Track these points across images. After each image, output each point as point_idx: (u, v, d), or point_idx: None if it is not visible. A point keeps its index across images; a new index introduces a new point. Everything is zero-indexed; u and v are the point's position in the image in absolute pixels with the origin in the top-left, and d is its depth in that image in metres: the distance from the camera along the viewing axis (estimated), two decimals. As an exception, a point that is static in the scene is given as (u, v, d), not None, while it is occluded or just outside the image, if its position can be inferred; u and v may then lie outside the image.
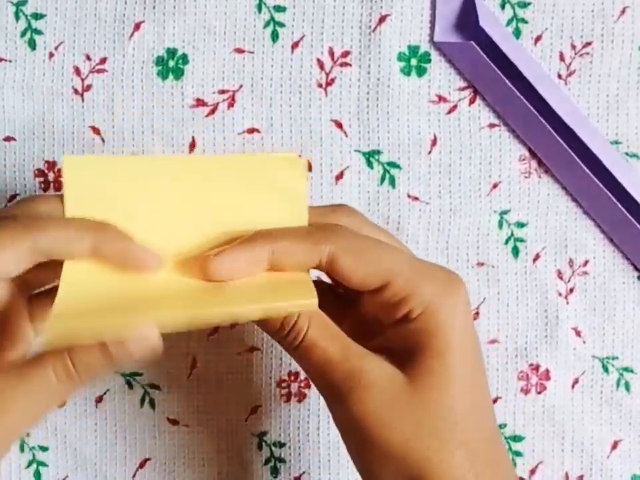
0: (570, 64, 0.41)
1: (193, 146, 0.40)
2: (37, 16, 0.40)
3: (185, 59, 0.40)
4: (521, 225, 0.41)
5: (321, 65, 0.40)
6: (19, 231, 0.29)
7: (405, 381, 0.30)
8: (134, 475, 0.42)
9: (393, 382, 0.30)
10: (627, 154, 0.41)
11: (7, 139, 0.40)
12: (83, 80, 0.40)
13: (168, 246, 0.31)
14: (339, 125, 0.41)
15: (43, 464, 0.42)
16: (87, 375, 0.28)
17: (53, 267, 0.30)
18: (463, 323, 0.30)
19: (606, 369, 0.42)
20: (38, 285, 0.33)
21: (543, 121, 0.40)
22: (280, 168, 0.31)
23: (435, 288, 0.30)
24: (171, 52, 0.40)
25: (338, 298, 0.34)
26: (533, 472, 0.42)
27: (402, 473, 0.29)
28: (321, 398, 0.41)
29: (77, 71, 0.40)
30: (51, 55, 0.40)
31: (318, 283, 0.32)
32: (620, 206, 0.40)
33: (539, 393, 0.42)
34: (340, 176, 0.41)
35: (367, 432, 0.29)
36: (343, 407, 0.30)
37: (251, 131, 0.41)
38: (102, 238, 0.29)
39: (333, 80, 0.41)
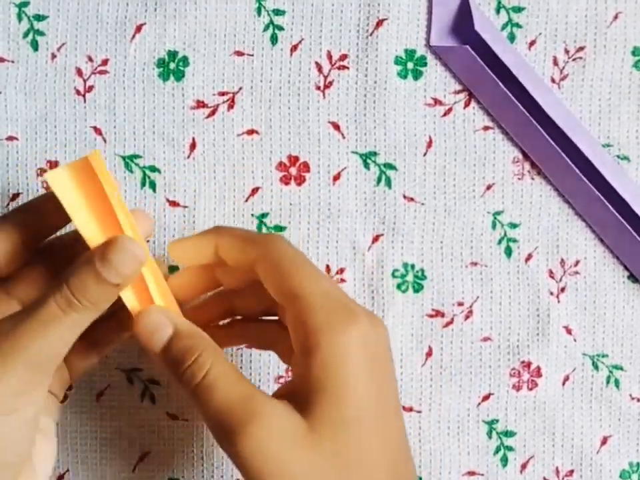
0: (563, 68, 0.41)
1: (193, 147, 0.41)
2: (39, 17, 0.41)
3: (185, 61, 0.41)
4: (513, 226, 0.42)
5: (319, 68, 0.41)
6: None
7: (306, 428, 0.28)
8: (134, 469, 0.43)
9: (294, 430, 0.28)
10: (618, 157, 0.42)
11: (10, 138, 0.41)
12: (84, 81, 0.41)
13: None
14: (337, 127, 0.41)
15: (45, 457, 0.42)
16: (86, 299, 0.29)
17: (39, 279, 0.32)
18: (358, 359, 0.28)
19: (596, 367, 0.43)
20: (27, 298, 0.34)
21: (536, 124, 0.40)
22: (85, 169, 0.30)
23: (327, 318, 0.29)
24: (172, 54, 0.41)
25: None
26: (524, 466, 0.43)
27: None
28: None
29: (79, 72, 0.41)
30: (53, 56, 0.41)
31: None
32: (611, 207, 0.41)
33: (531, 389, 0.43)
34: (337, 177, 0.42)
35: (264, 476, 0.27)
36: (237, 447, 0.28)
37: (250, 132, 0.41)
38: None
39: (330, 83, 0.41)
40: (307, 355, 0.28)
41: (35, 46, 0.41)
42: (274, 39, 0.41)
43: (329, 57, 0.41)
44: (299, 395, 0.29)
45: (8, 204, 0.41)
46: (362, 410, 0.28)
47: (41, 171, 0.41)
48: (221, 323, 0.37)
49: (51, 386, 0.34)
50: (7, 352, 0.28)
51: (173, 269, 0.40)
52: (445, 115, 0.42)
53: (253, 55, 0.41)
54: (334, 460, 0.28)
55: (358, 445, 0.28)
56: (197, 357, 0.29)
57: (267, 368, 0.42)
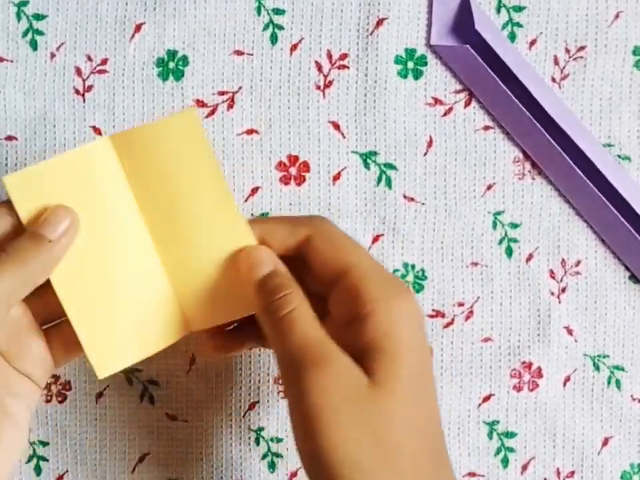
0: (564, 67, 0.41)
1: (192, 146, 0.41)
2: (38, 17, 0.41)
3: (185, 60, 0.41)
4: (514, 226, 0.42)
5: (319, 67, 0.41)
6: None
7: (368, 383, 0.30)
8: (133, 470, 0.43)
9: (358, 382, 0.29)
10: (619, 156, 0.42)
11: (9, 138, 0.41)
12: (84, 80, 0.41)
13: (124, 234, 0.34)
14: (337, 127, 0.41)
15: (44, 459, 0.42)
16: (14, 248, 0.31)
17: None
18: (410, 328, 0.31)
19: (597, 367, 0.43)
20: (53, 317, 0.34)
21: (537, 123, 0.40)
22: (177, 126, 0.33)
23: (383, 289, 0.31)
24: (171, 53, 0.41)
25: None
26: (525, 468, 0.43)
27: (343, 474, 0.29)
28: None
29: (78, 71, 0.41)
30: (53, 55, 0.41)
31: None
32: (612, 207, 0.41)
33: (531, 390, 0.43)
34: (337, 177, 0.41)
35: (317, 425, 0.29)
36: (303, 385, 0.29)
37: (250, 131, 0.41)
38: None
39: (330, 82, 0.41)
40: (363, 320, 0.31)
41: (34, 45, 0.41)
42: (274, 39, 0.41)
43: (329, 56, 0.41)
44: (353, 357, 0.30)
45: (7, 204, 0.41)
46: (417, 371, 0.30)
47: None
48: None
49: (31, 373, 0.34)
50: None
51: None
52: (445, 114, 0.41)
53: (252, 55, 0.41)
54: (395, 415, 0.29)
55: (414, 405, 0.30)
56: (287, 293, 0.31)
57: (266, 368, 0.42)
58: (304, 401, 0.29)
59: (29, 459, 0.42)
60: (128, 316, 0.34)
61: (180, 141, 0.33)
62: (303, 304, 0.31)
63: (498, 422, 0.43)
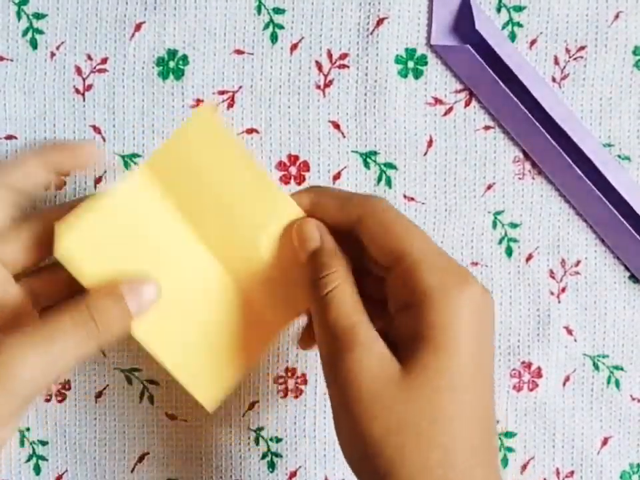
0: (564, 67, 0.41)
1: (192, 146, 0.41)
2: (38, 15, 0.40)
3: (185, 59, 0.41)
4: (514, 226, 0.42)
5: (320, 67, 0.41)
6: None
7: (400, 372, 0.29)
8: (132, 469, 0.42)
9: (389, 370, 0.29)
10: (619, 156, 0.42)
11: (9, 137, 0.41)
12: (84, 79, 0.41)
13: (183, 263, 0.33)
14: (337, 126, 0.41)
15: (43, 458, 0.42)
16: (102, 321, 0.30)
17: (61, 280, 0.33)
18: (467, 321, 0.29)
19: (596, 367, 0.43)
20: (48, 299, 0.34)
21: (537, 123, 0.40)
22: (196, 128, 0.32)
23: (441, 278, 0.29)
24: (172, 53, 0.41)
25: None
26: (524, 467, 0.43)
27: (371, 465, 0.28)
28: (318, 394, 0.42)
29: (78, 70, 0.41)
30: (52, 54, 0.41)
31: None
32: (612, 207, 0.41)
33: (531, 390, 0.43)
34: (337, 176, 0.41)
35: (352, 405, 0.28)
36: (339, 365, 0.29)
37: (250, 131, 0.41)
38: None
39: (331, 81, 0.41)
40: (414, 309, 0.29)
41: (34, 44, 0.41)
42: (274, 38, 0.41)
43: (329, 55, 0.41)
44: (396, 342, 0.30)
45: (6, 203, 0.41)
46: (461, 365, 0.29)
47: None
48: None
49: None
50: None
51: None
52: (445, 114, 0.41)
53: (252, 54, 0.41)
54: (425, 405, 0.28)
55: (451, 396, 0.28)
56: (329, 273, 0.31)
57: (266, 368, 0.42)
58: (338, 383, 0.29)
59: (29, 459, 0.42)
60: (214, 339, 0.33)
61: (203, 141, 0.32)
62: (344, 284, 0.30)
63: (497, 422, 0.43)
